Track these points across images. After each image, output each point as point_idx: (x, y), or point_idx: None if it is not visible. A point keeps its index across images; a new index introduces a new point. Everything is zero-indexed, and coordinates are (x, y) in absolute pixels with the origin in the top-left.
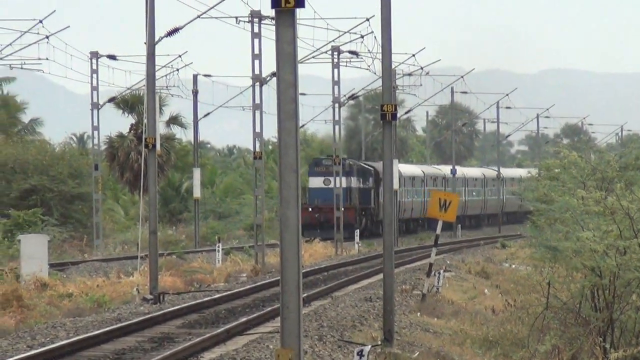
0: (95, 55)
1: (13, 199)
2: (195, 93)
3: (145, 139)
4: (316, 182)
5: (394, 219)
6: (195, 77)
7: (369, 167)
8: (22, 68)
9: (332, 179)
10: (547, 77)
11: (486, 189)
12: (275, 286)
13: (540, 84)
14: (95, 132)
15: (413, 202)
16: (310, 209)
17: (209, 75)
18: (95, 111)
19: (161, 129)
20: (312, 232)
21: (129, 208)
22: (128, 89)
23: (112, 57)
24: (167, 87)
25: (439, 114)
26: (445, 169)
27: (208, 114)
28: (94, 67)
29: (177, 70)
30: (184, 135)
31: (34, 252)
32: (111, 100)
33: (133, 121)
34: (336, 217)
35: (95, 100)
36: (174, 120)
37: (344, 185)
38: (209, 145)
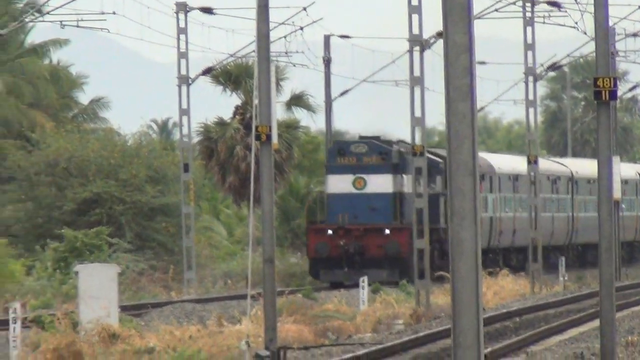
0: (182, 8)
1: (67, 214)
2: (327, 62)
3: (257, 127)
4: (340, 183)
5: (614, 242)
6: (327, 38)
7: (436, 159)
8: (78, 26)
9: (369, 177)
10: None
11: None
12: (444, 337)
13: None
14: (185, 118)
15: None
16: (330, 232)
17: (346, 37)
18: (184, 88)
19: (279, 112)
20: (333, 273)
21: (234, 227)
22: (231, 55)
23: (207, 11)
24: (286, 52)
25: None
26: None
27: (346, 91)
28: (182, 24)
29: (301, 29)
30: (312, 122)
31: (97, 289)
32: (207, 71)
33: (239, 102)
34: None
35: (183, 72)
36: (298, 100)
37: (387, 188)
38: (347, 136)
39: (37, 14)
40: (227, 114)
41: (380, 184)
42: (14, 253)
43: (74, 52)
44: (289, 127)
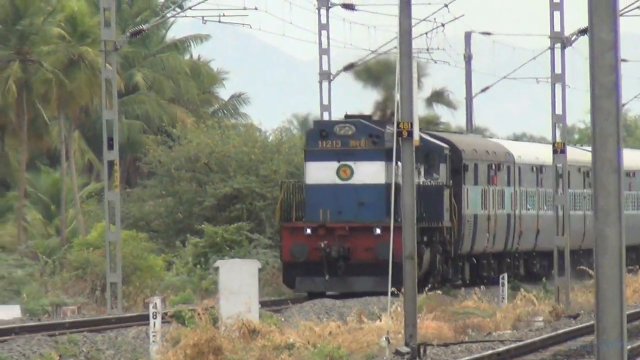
0: (324, 3)
1: (207, 209)
2: (468, 58)
3: (398, 123)
4: (322, 172)
5: None
6: (468, 35)
7: (440, 144)
8: (219, 22)
9: (357, 165)
10: None
11: None
12: (586, 335)
13: None
14: (326, 114)
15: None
16: (308, 231)
17: (488, 34)
18: (325, 84)
19: (420, 109)
20: (311, 282)
21: None
22: (372, 52)
23: (348, 7)
24: (428, 49)
25: None
26: None
27: (487, 88)
28: (324, 20)
29: (443, 25)
30: (452, 118)
31: (238, 284)
32: (348, 68)
33: (379, 98)
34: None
35: (325, 68)
36: (438, 97)
37: (379, 178)
38: (487, 133)
39: (178, 10)
40: (367, 110)
41: (370, 173)
42: (154, 248)
43: (215, 47)
44: (429, 124)
